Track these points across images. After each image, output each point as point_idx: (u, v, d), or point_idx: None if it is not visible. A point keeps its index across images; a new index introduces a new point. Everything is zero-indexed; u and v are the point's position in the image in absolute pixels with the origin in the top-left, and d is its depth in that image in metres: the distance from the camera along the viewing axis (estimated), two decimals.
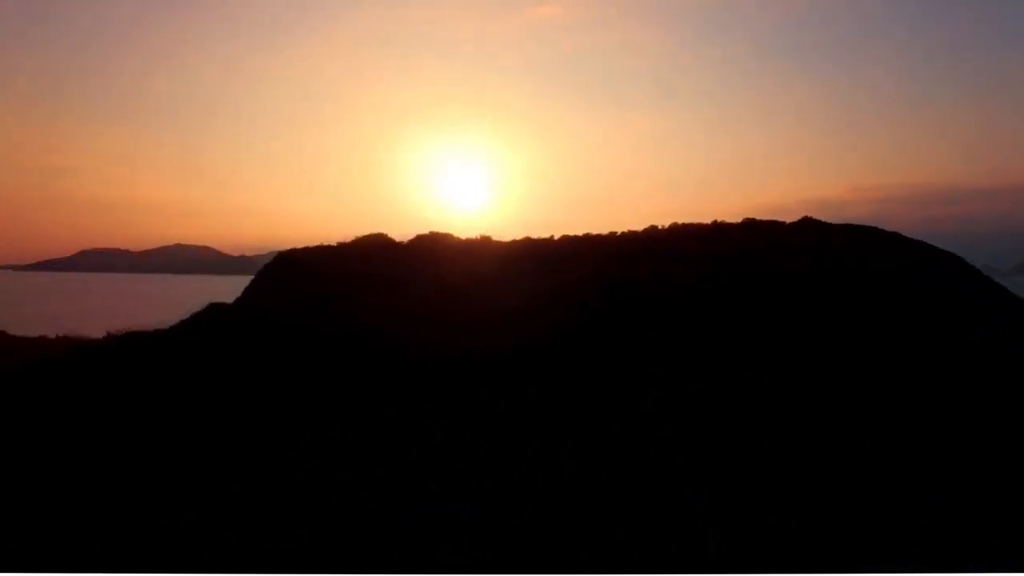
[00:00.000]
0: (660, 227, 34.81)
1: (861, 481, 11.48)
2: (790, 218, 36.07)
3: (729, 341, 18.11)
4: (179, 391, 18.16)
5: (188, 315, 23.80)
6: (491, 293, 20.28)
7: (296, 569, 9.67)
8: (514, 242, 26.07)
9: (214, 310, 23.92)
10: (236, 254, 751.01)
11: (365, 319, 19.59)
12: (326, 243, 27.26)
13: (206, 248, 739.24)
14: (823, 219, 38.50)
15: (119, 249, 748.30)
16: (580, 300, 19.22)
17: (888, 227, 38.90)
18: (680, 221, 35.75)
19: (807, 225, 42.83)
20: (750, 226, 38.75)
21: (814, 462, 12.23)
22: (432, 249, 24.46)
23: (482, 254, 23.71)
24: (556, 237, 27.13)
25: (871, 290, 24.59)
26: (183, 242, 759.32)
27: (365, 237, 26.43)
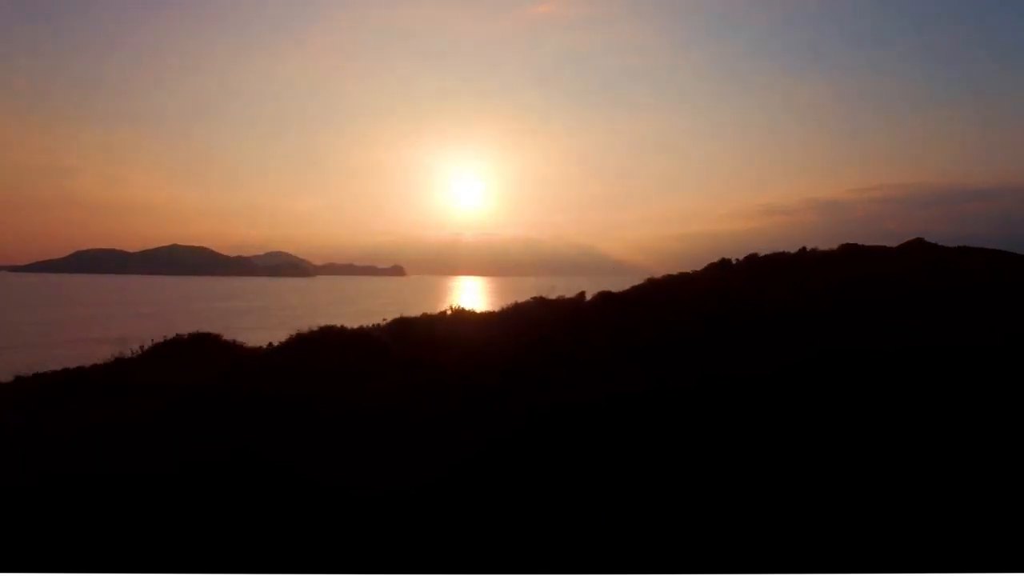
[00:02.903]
0: (734, 261, 23.30)
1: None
2: (792, 217, 24.61)
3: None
4: None
5: None
6: None
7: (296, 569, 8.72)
8: (516, 310, 14.45)
9: None
10: (233, 255, 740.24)
11: None
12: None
13: (203, 249, 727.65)
14: (833, 221, 26.81)
15: (115, 250, 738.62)
16: None
17: (887, 227, 27.28)
18: (760, 253, 24.29)
19: (917, 247, 31.77)
20: (852, 253, 27.42)
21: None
22: (346, 370, 11.52)
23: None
24: (588, 297, 15.52)
25: None
26: (180, 243, 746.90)
27: (196, 336, 14.49)
